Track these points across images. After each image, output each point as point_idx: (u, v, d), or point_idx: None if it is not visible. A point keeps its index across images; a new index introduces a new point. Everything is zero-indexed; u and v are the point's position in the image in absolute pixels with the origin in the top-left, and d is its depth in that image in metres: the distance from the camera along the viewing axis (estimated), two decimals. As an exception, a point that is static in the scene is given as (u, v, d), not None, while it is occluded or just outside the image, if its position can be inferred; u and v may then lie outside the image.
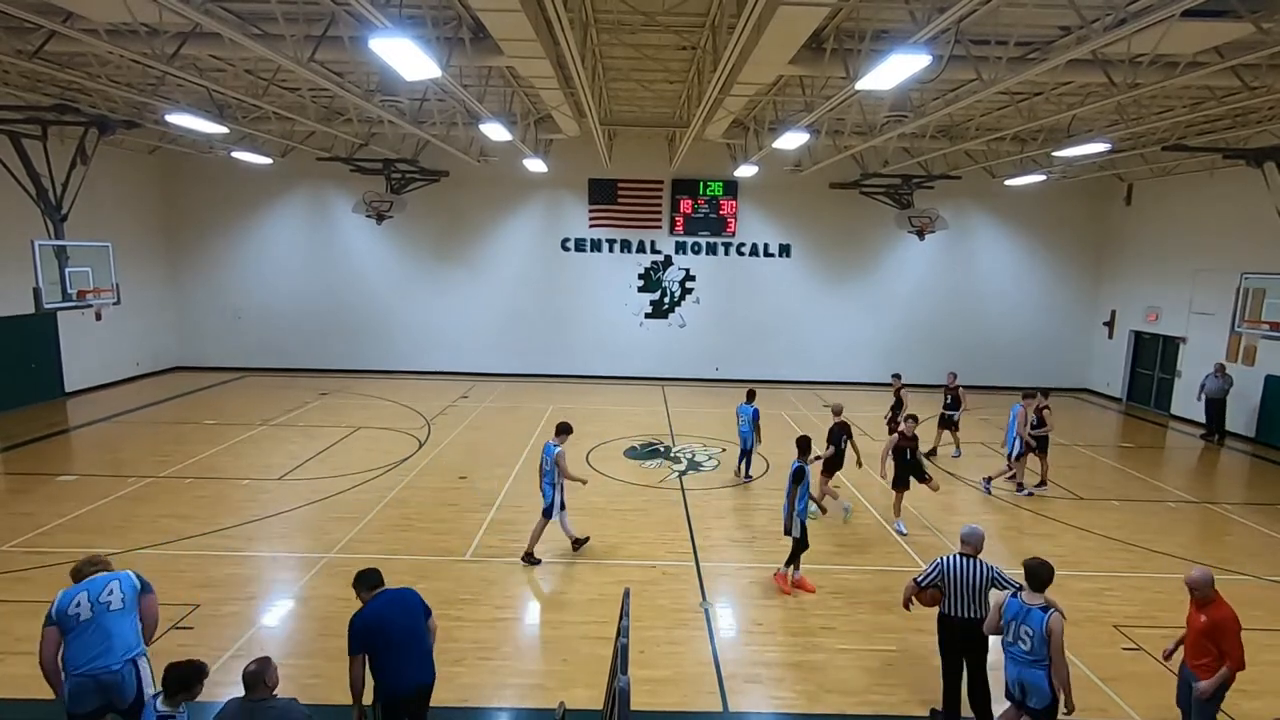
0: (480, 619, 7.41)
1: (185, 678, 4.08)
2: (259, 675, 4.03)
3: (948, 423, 13.87)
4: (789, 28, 7.27)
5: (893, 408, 13.58)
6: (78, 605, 4.28)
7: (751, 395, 12.25)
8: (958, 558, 5.68)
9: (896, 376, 13.86)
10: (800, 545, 8.12)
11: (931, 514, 10.72)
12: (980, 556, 5.70)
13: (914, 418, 10.17)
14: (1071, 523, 10.58)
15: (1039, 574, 5.05)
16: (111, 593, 4.38)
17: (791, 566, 8.28)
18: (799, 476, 7.95)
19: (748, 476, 12.27)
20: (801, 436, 8.65)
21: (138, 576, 4.66)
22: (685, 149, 17.06)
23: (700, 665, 6.71)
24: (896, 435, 10.09)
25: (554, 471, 8.59)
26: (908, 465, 9.91)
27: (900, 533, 9.94)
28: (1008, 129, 14.01)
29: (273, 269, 20.84)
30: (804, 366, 20.87)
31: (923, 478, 9.93)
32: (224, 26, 7.51)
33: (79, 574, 4.56)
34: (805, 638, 7.23)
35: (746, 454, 12.19)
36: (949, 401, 13.80)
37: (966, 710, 5.78)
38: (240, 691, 4.10)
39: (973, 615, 5.59)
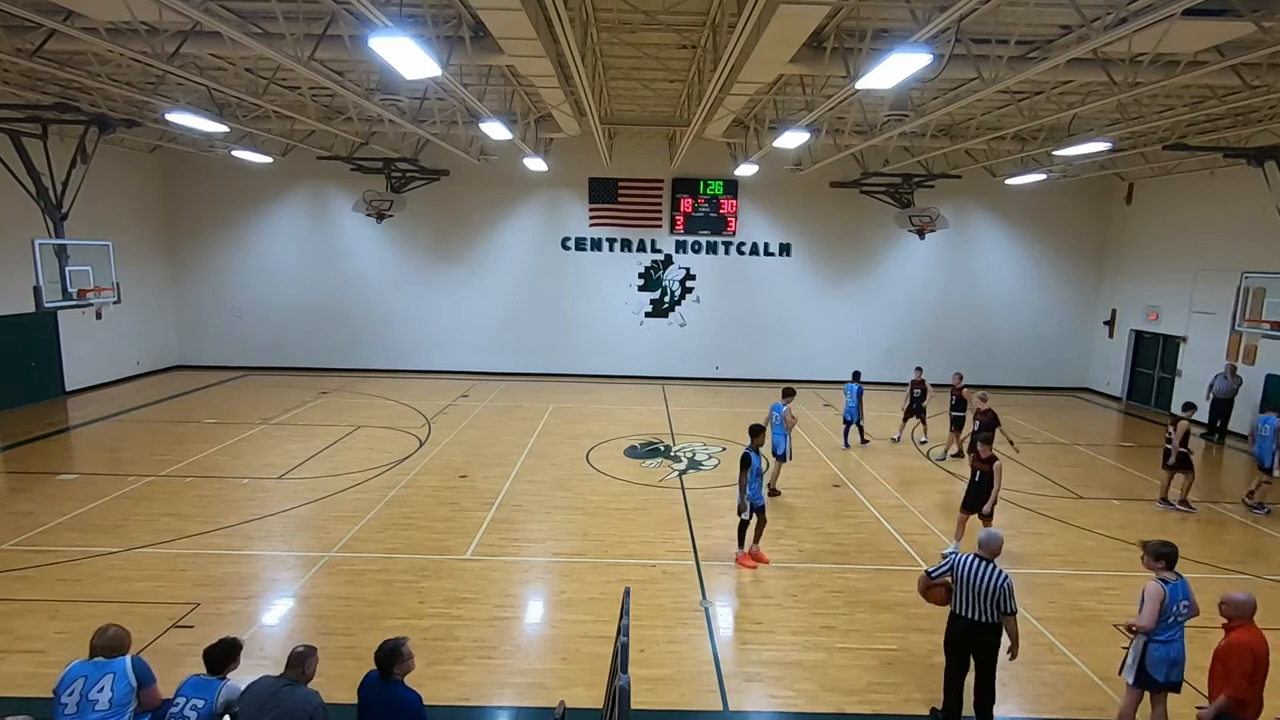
0: (480, 618, 7.41)
1: (228, 651, 4.44)
2: (300, 659, 4.30)
3: (958, 424, 13.79)
4: (789, 27, 7.27)
5: (916, 399, 14.33)
6: (70, 693, 4.20)
7: (857, 376, 14.29)
8: (972, 558, 5.66)
9: (919, 370, 14.42)
10: (752, 522, 8.78)
11: (931, 513, 10.74)
12: (997, 562, 5.66)
13: (987, 439, 9.09)
14: (1071, 522, 10.57)
15: (1174, 554, 5.55)
16: (102, 690, 4.24)
17: (749, 544, 8.90)
18: (746, 462, 8.54)
19: (865, 441, 14.48)
20: (753, 425, 9.04)
21: (140, 669, 4.44)
22: (685, 148, 17.05)
23: (700, 664, 6.71)
24: (972, 456, 9.18)
25: (782, 424, 10.86)
26: (977, 487, 8.93)
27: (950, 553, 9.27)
28: (1008, 128, 13.99)
29: (273, 268, 20.82)
30: (804, 365, 20.84)
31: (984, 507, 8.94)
32: (224, 25, 7.51)
33: (93, 650, 4.42)
34: (805, 636, 7.22)
35: (850, 424, 14.29)
36: (954, 402, 13.77)
37: (967, 710, 5.78)
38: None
39: (979, 618, 5.57)
